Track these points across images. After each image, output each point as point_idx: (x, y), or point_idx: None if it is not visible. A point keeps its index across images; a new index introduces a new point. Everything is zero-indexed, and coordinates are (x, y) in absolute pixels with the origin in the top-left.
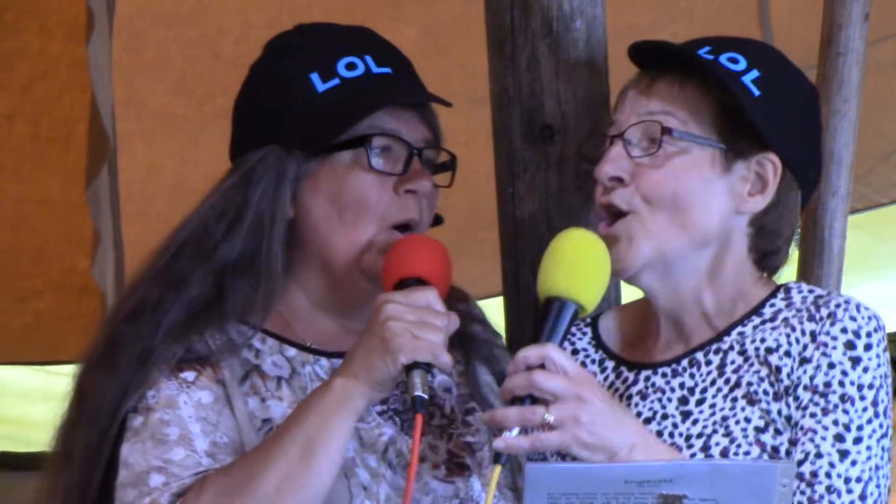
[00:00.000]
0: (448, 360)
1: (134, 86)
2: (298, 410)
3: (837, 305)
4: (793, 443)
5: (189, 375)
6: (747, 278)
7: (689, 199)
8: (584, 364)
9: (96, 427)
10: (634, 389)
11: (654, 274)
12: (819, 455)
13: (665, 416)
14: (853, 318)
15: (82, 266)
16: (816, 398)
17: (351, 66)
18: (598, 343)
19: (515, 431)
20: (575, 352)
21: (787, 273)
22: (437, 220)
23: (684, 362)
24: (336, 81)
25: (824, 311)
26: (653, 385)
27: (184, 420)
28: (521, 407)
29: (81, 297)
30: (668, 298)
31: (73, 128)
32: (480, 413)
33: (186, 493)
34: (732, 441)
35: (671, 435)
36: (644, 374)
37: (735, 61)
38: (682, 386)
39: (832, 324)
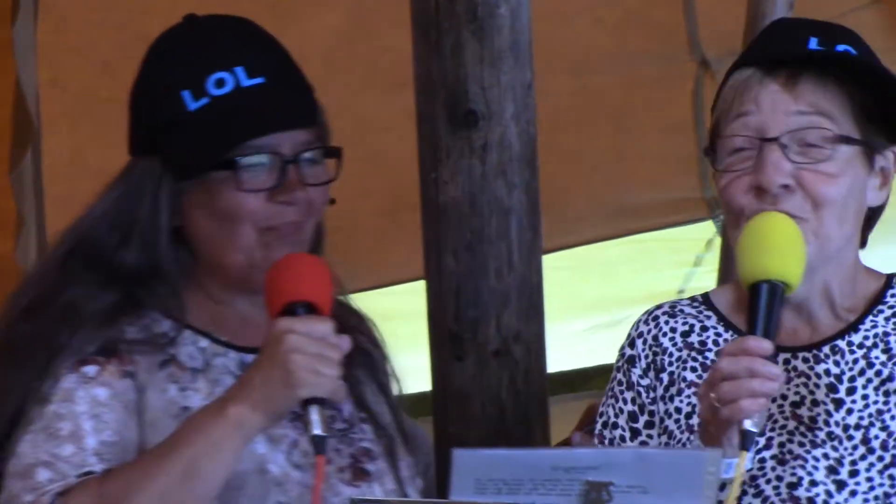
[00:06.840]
0: (343, 394)
1: (59, 68)
2: (188, 429)
3: None
4: None
5: (90, 370)
6: (860, 266)
7: (850, 200)
8: (716, 342)
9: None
10: None
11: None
12: None
13: (815, 402)
14: None
15: (4, 249)
16: None
17: (220, 83)
18: (727, 323)
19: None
20: (704, 329)
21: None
22: (331, 201)
23: (825, 349)
24: (205, 100)
25: None
26: (794, 368)
27: (77, 416)
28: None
29: (4, 281)
30: (802, 289)
31: None
32: None
33: (67, 494)
34: (890, 435)
35: (826, 423)
36: (782, 356)
37: (848, 54)
38: (827, 373)
39: None
